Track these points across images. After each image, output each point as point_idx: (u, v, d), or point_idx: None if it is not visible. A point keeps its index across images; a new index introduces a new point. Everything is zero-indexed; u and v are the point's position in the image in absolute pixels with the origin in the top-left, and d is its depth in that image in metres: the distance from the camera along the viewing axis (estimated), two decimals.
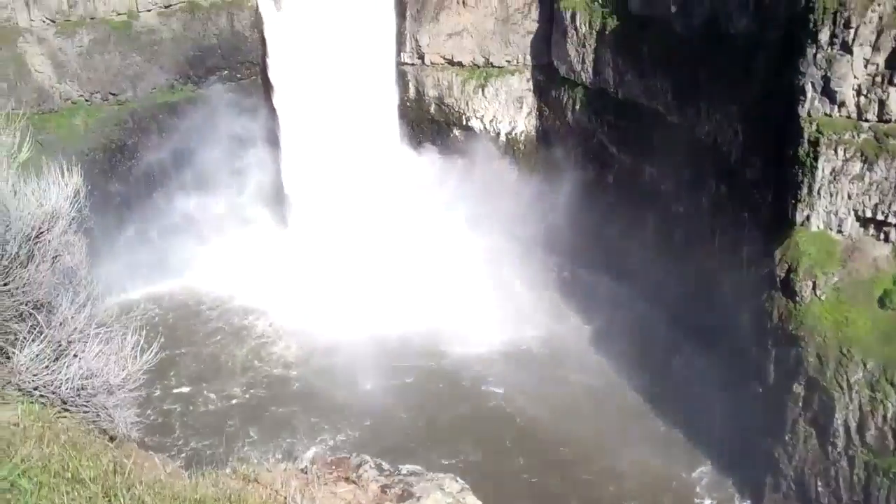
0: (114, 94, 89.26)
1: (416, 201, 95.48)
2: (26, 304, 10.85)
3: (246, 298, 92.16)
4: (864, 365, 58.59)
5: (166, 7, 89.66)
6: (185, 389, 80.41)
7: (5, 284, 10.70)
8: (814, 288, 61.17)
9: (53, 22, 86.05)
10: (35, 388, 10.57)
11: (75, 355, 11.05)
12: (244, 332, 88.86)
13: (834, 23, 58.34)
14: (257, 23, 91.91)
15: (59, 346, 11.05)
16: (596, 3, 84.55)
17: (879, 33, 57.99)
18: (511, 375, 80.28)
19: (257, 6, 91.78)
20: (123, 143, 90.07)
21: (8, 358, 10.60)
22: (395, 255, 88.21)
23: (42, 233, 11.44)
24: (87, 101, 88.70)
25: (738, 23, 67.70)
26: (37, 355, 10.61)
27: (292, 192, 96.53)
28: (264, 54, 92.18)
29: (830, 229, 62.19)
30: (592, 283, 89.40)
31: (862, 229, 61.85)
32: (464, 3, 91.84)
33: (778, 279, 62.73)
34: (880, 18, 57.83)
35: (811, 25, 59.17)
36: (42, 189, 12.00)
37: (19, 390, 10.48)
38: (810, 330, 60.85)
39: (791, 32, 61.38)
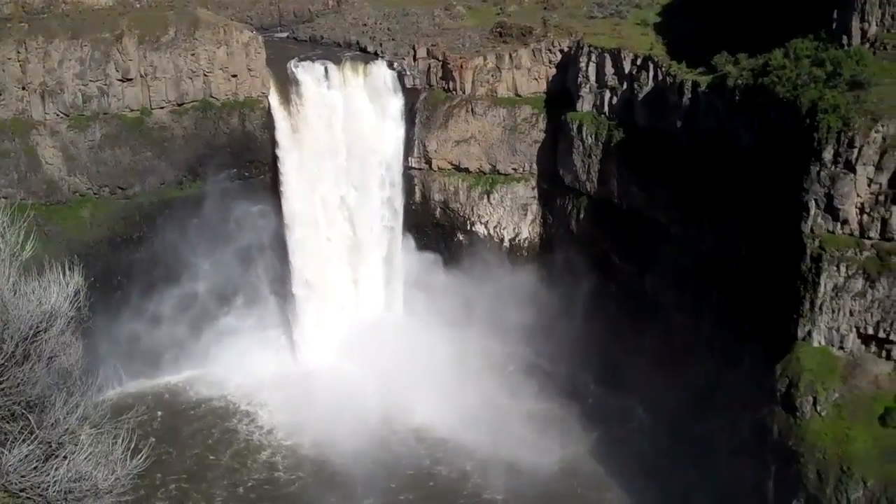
0: (122, 189, 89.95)
1: (417, 305, 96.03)
2: (19, 404, 10.74)
3: (240, 399, 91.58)
4: (865, 483, 57.67)
5: (179, 105, 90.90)
6: (171, 492, 79.06)
7: (0, 383, 10.62)
8: (814, 404, 60.58)
9: (67, 116, 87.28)
10: (22, 490, 10.38)
11: (65, 457, 10.89)
12: (234, 434, 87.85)
13: (838, 142, 58.91)
14: (268, 123, 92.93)
15: (50, 446, 10.90)
16: (602, 116, 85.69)
17: (883, 153, 58.51)
18: (512, 487, 79.01)
19: (269, 107, 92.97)
20: (129, 236, 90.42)
21: None
22: (393, 358, 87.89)
23: (39, 332, 11.39)
24: (95, 194, 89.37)
25: (744, 139, 68.43)
26: (26, 456, 10.45)
27: (299, 292, 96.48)
28: (274, 154, 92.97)
29: (832, 345, 61.84)
30: (593, 392, 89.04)
31: (863, 346, 61.47)
32: (472, 111, 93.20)
33: (779, 394, 62.19)
34: (884, 139, 58.41)
35: (815, 144, 59.73)
36: (43, 288, 11.98)
37: (5, 491, 10.30)
38: (810, 446, 60.07)
39: (795, 150, 61.92)
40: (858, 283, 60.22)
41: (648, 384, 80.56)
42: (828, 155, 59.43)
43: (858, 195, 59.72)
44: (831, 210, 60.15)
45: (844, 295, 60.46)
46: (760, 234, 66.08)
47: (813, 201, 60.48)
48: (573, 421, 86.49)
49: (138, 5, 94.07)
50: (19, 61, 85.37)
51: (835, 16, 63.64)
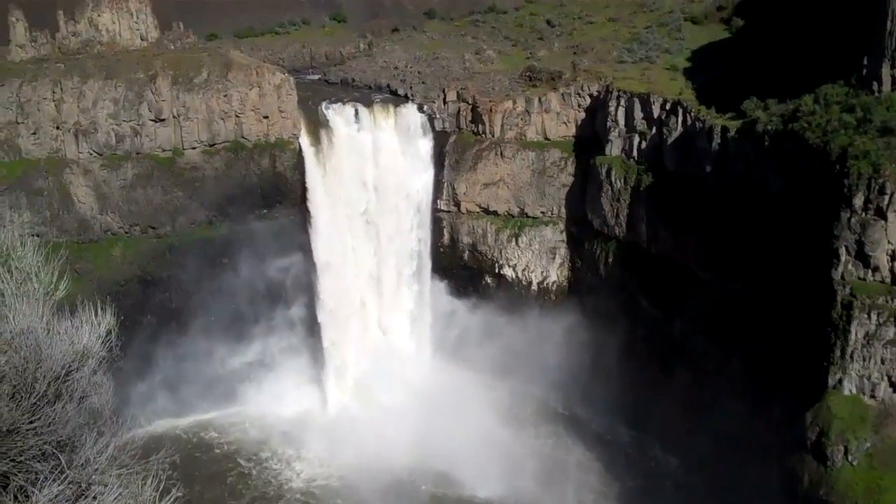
0: (153, 228, 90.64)
1: (445, 348, 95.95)
2: (50, 443, 10.80)
3: (266, 440, 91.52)
4: None
5: (211, 145, 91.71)
6: None
7: (31, 423, 10.68)
8: (846, 453, 59.88)
9: (100, 155, 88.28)
10: None
11: (95, 497, 10.93)
12: (257, 475, 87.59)
13: (868, 188, 58.64)
14: (299, 164, 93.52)
15: (80, 487, 10.93)
16: (631, 160, 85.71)
17: None
18: None
19: (300, 148, 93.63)
20: (159, 276, 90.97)
21: (27, 497, 10.48)
22: (420, 402, 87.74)
23: (71, 372, 11.47)
24: (126, 232, 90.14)
25: (773, 184, 68.18)
26: (56, 496, 10.49)
27: (327, 332, 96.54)
28: (304, 195, 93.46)
29: (863, 393, 61.20)
30: (619, 436, 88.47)
31: (895, 395, 60.85)
32: (501, 154, 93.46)
33: (809, 442, 61.55)
34: None
35: (846, 190, 59.48)
36: (75, 327, 12.08)
37: None
38: (841, 496, 59.29)
39: (825, 196, 61.64)
40: (890, 331, 59.70)
41: (678, 430, 79.94)
42: (858, 201, 59.15)
43: (889, 242, 59.39)
44: (862, 257, 59.77)
45: (875, 343, 59.94)
46: (790, 281, 65.60)
47: (843, 248, 60.12)
48: (602, 468, 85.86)
49: (172, 47, 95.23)
50: (55, 101, 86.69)
51: (865, 62, 63.50)
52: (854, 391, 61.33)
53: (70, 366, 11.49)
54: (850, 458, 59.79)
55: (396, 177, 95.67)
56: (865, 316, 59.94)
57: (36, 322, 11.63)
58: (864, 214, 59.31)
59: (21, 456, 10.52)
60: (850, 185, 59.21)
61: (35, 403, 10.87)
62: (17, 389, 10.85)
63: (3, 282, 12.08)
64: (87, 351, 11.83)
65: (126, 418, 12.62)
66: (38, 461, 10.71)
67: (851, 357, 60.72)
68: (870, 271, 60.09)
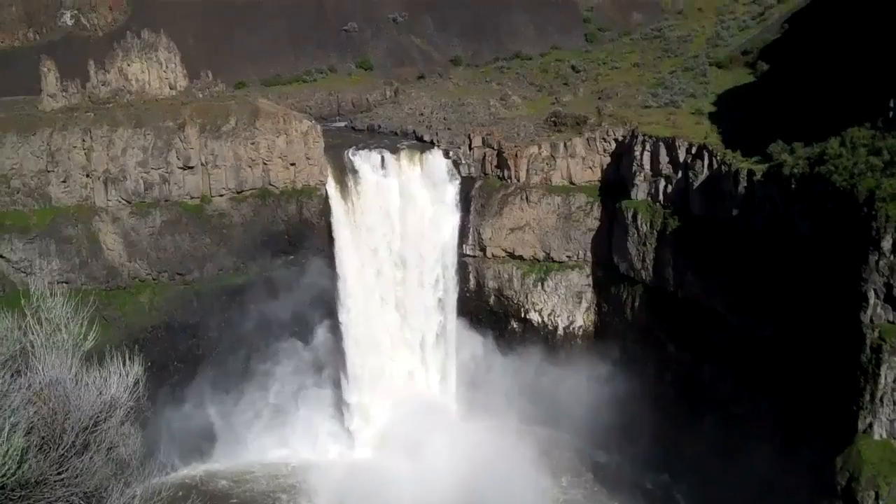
0: (180, 275, 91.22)
1: (470, 394, 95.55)
2: (77, 494, 10.87)
3: (289, 487, 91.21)
4: None
5: (238, 192, 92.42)
6: None
7: (59, 473, 10.77)
8: (876, 499, 58.96)
9: (129, 202, 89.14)
10: None
11: None
12: None
13: None
14: (325, 210, 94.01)
15: None
16: (657, 204, 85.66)
17: None
18: None
19: (326, 195, 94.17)
20: (186, 322, 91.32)
21: None
22: (446, 451, 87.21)
23: (99, 423, 11.57)
24: (154, 279, 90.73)
25: (800, 227, 67.90)
26: None
27: (352, 379, 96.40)
28: (331, 241, 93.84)
29: (894, 438, 60.41)
30: (649, 484, 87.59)
31: None
32: (527, 199, 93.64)
33: (839, 487, 60.69)
34: None
35: (874, 233, 59.11)
36: (103, 378, 12.20)
37: None
38: None
39: (853, 239, 61.31)
40: None
41: (707, 475, 79.06)
42: (886, 244, 58.74)
43: None
44: (891, 300, 59.24)
45: None
46: (819, 325, 65.08)
47: (872, 291, 59.65)
48: None
49: (200, 95, 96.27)
50: (84, 149, 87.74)
51: (891, 104, 63.35)
52: (885, 436, 60.55)
53: (98, 416, 11.61)
54: (881, 503, 58.98)
55: (422, 222, 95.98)
56: (895, 359, 59.35)
57: (65, 373, 11.76)
58: (892, 257, 58.86)
59: None
60: (878, 228, 58.84)
61: (63, 454, 10.96)
62: (45, 441, 10.95)
63: (33, 333, 12.23)
64: (114, 401, 11.95)
65: (153, 468, 12.68)
66: None
67: (881, 401, 60.01)
68: None
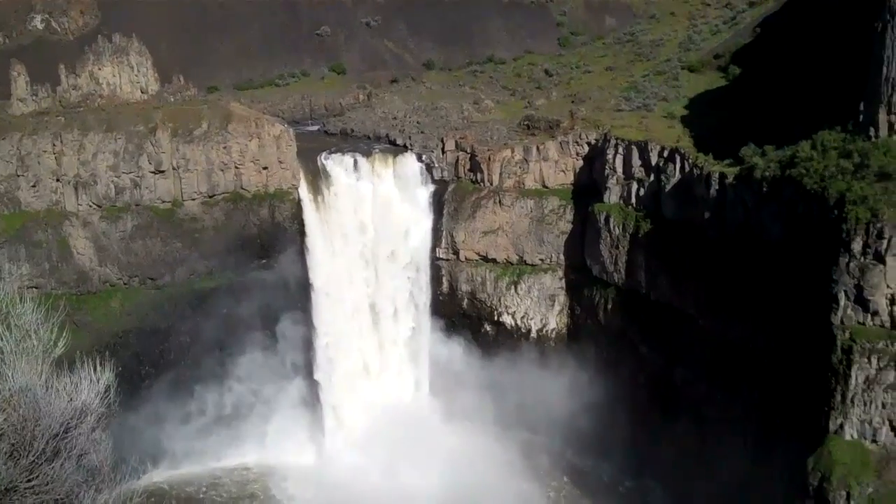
0: (152, 279, 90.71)
1: (443, 396, 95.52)
2: (48, 502, 10.76)
3: (263, 491, 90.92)
4: None
5: (210, 196, 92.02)
6: None
7: (29, 481, 10.65)
8: (848, 499, 59.45)
9: (99, 207, 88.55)
10: None
11: None
12: None
13: (867, 233, 58.83)
14: (298, 214, 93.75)
15: None
16: (630, 207, 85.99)
17: None
18: None
19: (299, 198, 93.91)
20: (157, 327, 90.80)
21: None
22: (418, 451, 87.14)
23: (70, 429, 11.46)
24: (125, 284, 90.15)
25: (772, 230, 68.38)
26: None
27: (325, 382, 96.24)
28: (303, 245, 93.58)
29: (864, 438, 60.91)
30: (621, 486, 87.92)
31: None
32: (500, 202, 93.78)
33: (811, 488, 61.13)
34: None
35: (844, 235, 59.65)
36: (74, 384, 12.08)
37: None
38: None
39: (824, 241, 61.80)
40: (890, 375, 59.61)
41: (681, 477, 79.47)
42: (857, 246, 59.30)
43: (888, 286, 59.45)
44: (861, 301, 59.80)
45: (876, 387, 59.81)
46: (790, 326, 65.58)
47: (842, 293, 60.18)
48: None
49: (172, 99, 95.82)
50: (55, 153, 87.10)
51: (861, 108, 63.92)
52: (855, 436, 61.07)
53: (69, 423, 11.49)
54: (852, 503, 59.40)
55: (395, 226, 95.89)
56: (866, 360, 59.85)
57: (35, 379, 11.63)
58: (862, 259, 59.43)
59: None
60: (849, 230, 59.40)
61: (33, 461, 10.84)
62: (15, 448, 10.83)
63: (2, 339, 12.09)
64: (85, 408, 11.83)
65: (124, 474, 12.57)
66: None
67: (852, 402, 60.53)
68: (869, 315, 60.10)
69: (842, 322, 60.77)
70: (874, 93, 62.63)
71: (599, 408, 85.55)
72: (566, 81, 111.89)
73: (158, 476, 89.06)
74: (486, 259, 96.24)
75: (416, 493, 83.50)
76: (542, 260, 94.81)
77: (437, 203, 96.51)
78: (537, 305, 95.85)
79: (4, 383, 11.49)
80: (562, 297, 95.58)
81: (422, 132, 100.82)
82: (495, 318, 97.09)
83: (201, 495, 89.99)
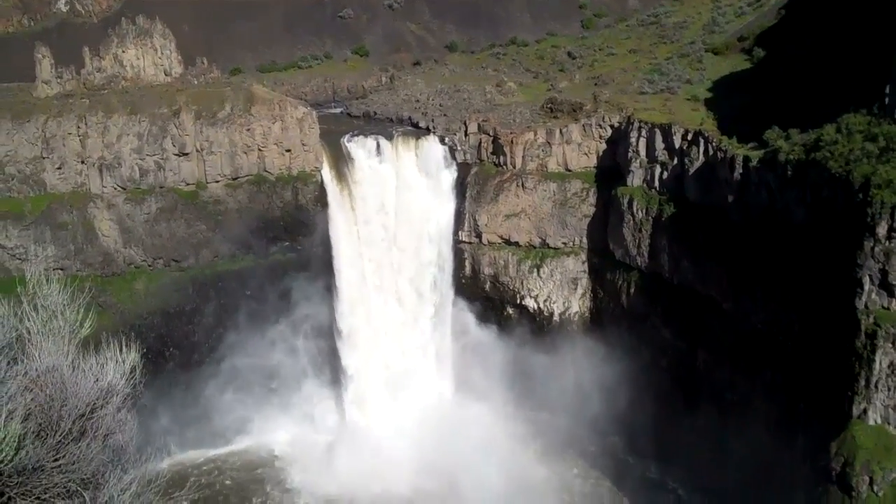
0: (176, 261, 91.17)
1: (467, 378, 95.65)
2: (74, 481, 10.87)
3: (286, 474, 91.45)
4: None
5: (234, 179, 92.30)
6: None
7: (56, 460, 10.77)
8: (871, 483, 59.23)
9: (124, 189, 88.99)
10: None
11: None
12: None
13: (892, 217, 58.25)
14: (321, 197, 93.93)
15: None
16: (653, 190, 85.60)
17: None
18: None
19: (322, 181, 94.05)
20: (182, 308, 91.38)
21: None
22: (442, 433, 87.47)
23: (96, 409, 11.57)
24: (149, 266, 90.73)
25: (795, 214, 67.90)
26: None
27: (349, 365, 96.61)
28: (326, 227, 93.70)
29: (888, 423, 60.57)
30: (644, 469, 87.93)
31: None
32: (523, 185, 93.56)
33: (834, 473, 60.93)
34: None
35: (869, 219, 59.13)
36: (100, 364, 12.19)
37: None
38: None
39: (848, 225, 61.32)
40: None
41: (700, 461, 79.35)
42: (882, 230, 58.80)
43: None
44: (886, 286, 59.34)
45: None
46: (814, 311, 65.18)
47: (867, 277, 59.74)
48: (621, 492, 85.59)
49: (196, 82, 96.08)
50: (79, 136, 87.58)
51: (887, 91, 63.29)
52: (879, 421, 60.75)
53: (95, 403, 11.60)
54: (875, 488, 59.18)
55: (418, 209, 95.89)
56: (890, 345, 59.44)
57: (61, 360, 11.75)
58: (887, 243, 58.93)
59: (46, 494, 10.61)
60: (874, 214, 58.88)
61: (60, 441, 10.97)
62: (42, 427, 10.96)
63: (29, 320, 12.22)
64: (111, 388, 11.94)
65: (149, 454, 12.68)
66: (63, 499, 10.79)
67: (876, 387, 60.17)
68: (894, 300, 59.64)
69: (866, 306, 60.36)
70: None
71: (620, 391, 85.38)
72: (589, 64, 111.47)
73: (184, 456, 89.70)
74: (508, 242, 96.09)
75: (435, 469, 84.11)
76: (564, 243, 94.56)
77: (460, 186, 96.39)
78: (560, 289, 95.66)
79: (32, 364, 11.62)
80: (584, 281, 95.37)
81: (444, 115, 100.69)
82: (518, 301, 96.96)
83: (227, 472, 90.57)
